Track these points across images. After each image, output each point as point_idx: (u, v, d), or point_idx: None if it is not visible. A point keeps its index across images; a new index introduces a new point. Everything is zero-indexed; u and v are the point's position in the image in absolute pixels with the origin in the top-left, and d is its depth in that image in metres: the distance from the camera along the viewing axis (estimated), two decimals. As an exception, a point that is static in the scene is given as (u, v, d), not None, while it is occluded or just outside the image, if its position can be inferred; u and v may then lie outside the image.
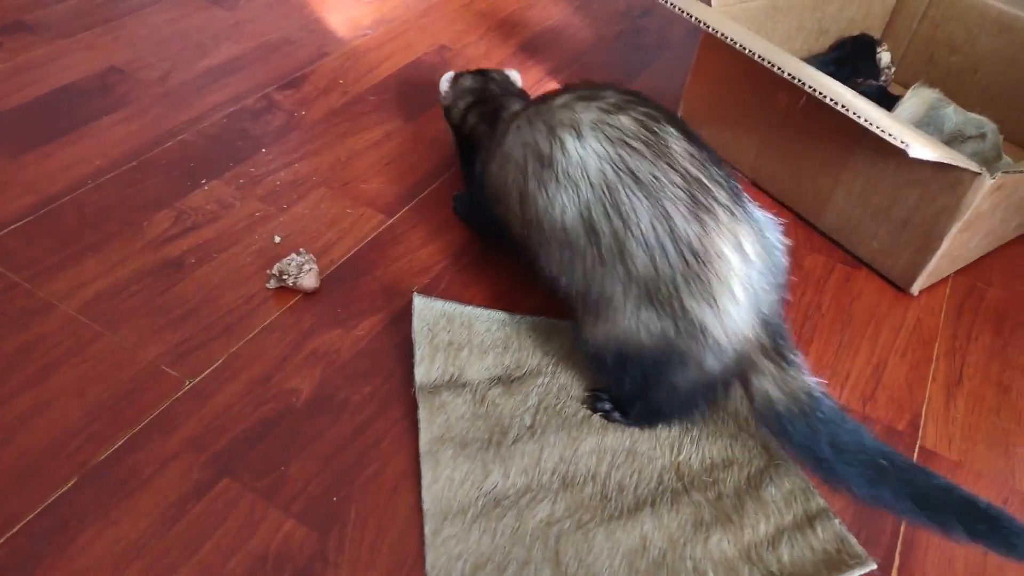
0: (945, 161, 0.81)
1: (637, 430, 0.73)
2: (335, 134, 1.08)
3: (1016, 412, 0.83)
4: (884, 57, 1.26)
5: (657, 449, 0.72)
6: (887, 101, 1.17)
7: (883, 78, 1.26)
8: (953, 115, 1.11)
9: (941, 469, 0.76)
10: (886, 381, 0.85)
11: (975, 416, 0.82)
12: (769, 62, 0.89)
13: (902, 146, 0.79)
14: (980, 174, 0.83)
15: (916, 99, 1.10)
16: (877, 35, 1.37)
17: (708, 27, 0.94)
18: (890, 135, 0.81)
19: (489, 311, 0.81)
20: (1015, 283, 0.99)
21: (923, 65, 1.34)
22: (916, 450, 0.78)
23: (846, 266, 0.99)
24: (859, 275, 0.98)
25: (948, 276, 0.99)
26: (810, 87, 0.86)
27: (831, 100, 0.85)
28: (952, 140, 1.11)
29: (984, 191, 0.84)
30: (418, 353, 0.75)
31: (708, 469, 0.71)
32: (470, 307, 0.81)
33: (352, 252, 0.90)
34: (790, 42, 1.23)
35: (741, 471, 0.70)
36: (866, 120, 0.82)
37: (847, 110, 0.84)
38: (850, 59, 1.26)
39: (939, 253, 0.92)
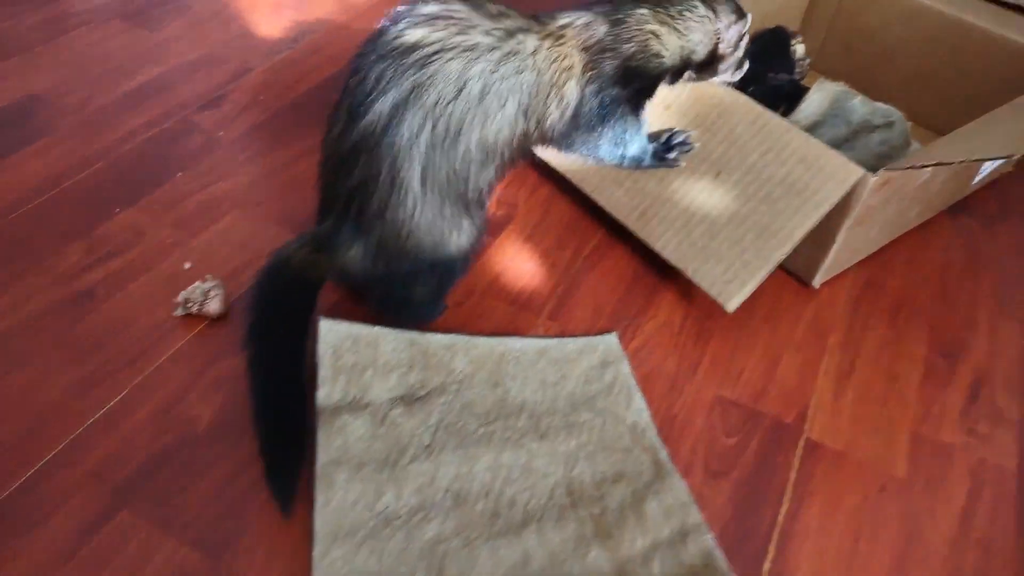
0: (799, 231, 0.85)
1: (534, 446, 0.76)
2: (252, 153, 1.10)
3: (902, 400, 0.87)
4: (799, 49, 1.28)
5: (552, 464, 0.75)
6: (799, 94, 1.20)
7: (798, 70, 1.28)
8: (860, 106, 1.14)
9: (825, 459, 0.80)
10: (779, 376, 0.88)
11: (862, 406, 0.86)
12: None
13: (720, 301, 0.85)
14: (864, 174, 0.86)
15: (819, 94, 1.12)
16: (795, 27, 1.39)
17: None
18: (694, 277, 0.86)
19: (398, 331, 0.84)
20: (914, 272, 1.03)
21: (842, 54, 1.37)
22: (802, 442, 0.81)
23: (750, 262, 1.02)
24: (762, 271, 1.01)
25: (849, 268, 1.02)
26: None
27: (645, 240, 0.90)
28: (860, 130, 1.14)
29: (870, 188, 0.87)
30: (320, 375, 0.78)
31: (598, 484, 0.74)
32: (378, 328, 0.83)
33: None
34: (702, 40, 1.25)
35: (629, 485, 0.73)
36: (676, 262, 0.87)
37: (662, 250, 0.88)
38: (765, 53, 1.28)
39: (835, 248, 0.95)
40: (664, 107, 1.01)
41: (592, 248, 1.01)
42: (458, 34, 0.73)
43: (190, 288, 0.85)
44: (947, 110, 1.23)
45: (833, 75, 1.36)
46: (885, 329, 0.95)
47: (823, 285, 1.00)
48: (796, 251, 0.98)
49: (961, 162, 0.78)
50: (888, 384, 0.89)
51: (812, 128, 1.13)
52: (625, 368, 0.85)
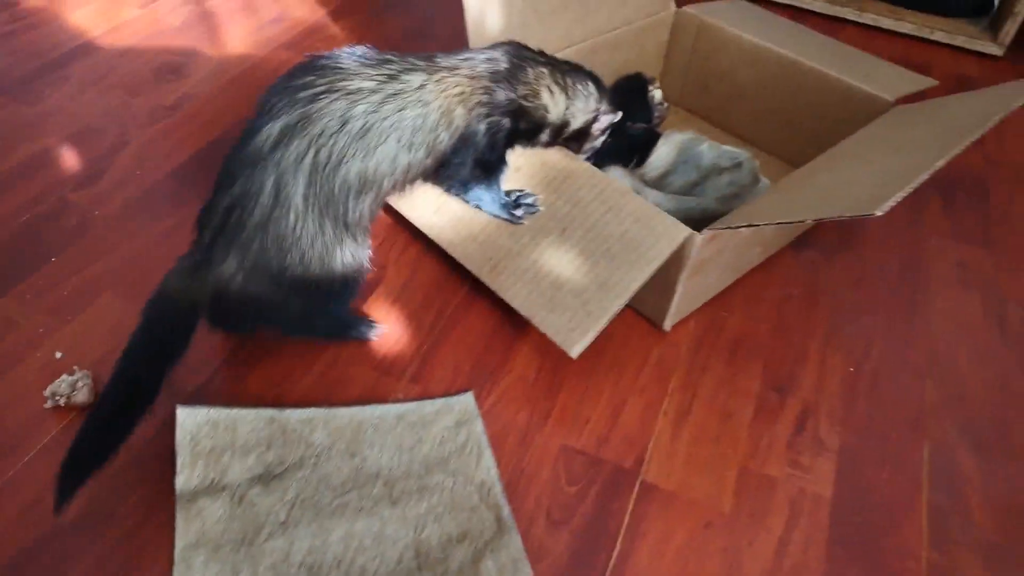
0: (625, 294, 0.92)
1: (387, 512, 0.82)
2: (128, 230, 1.14)
3: (734, 437, 0.95)
4: (656, 95, 1.37)
5: (403, 529, 0.81)
6: (654, 141, 1.29)
7: (656, 115, 1.36)
8: (707, 151, 1.23)
9: (657, 500, 0.88)
10: (622, 421, 0.96)
11: (697, 446, 0.94)
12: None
13: (564, 348, 0.91)
14: (691, 234, 0.94)
15: (666, 146, 1.21)
16: (657, 70, 1.48)
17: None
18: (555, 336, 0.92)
19: (257, 410, 0.89)
20: (754, 309, 1.11)
21: (699, 94, 1.46)
22: (637, 485, 0.89)
23: (604, 310, 1.09)
24: (617, 317, 1.08)
25: (697, 309, 1.10)
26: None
27: (496, 291, 0.96)
28: (710, 173, 1.22)
29: (698, 244, 0.95)
30: (179, 463, 0.83)
31: (444, 545, 0.80)
32: (236, 409, 0.88)
33: (132, 358, 0.96)
34: (564, 91, 1.32)
35: (471, 544, 0.80)
36: (524, 312, 0.93)
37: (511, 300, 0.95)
38: (624, 100, 1.36)
39: (677, 296, 1.03)
40: (515, 169, 1.07)
41: (455, 306, 1.08)
42: (343, 80, 0.84)
43: (57, 381, 0.89)
44: (794, 142, 1.33)
45: (693, 113, 1.46)
46: (723, 368, 1.03)
47: (673, 328, 1.08)
48: (646, 299, 1.07)
49: (779, 223, 0.86)
50: (722, 422, 0.97)
51: (664, 176, 1.22)
52: (478, 427, 0.92)
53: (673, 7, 1.41)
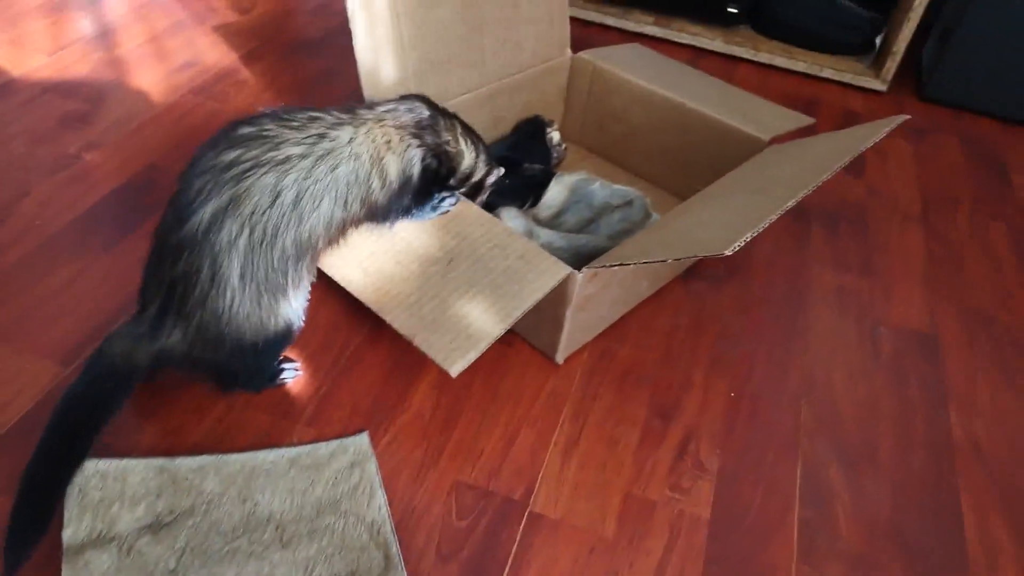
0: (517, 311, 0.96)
1: (277, 556, 0.84)
2: (24, 284, 1.14)
3: (619, 463, 1.00)
4: (554, 136, 1.43)
5: (292, 572, 0.83)
6: (547, 181, 1.34)
7: (555, 155, 1.42)
8: (599, 191, 1.29)
9: (543, 528, 0.92)
10: (514, 453, 1.00)
11: (584, 473, 0.98)
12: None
13: (445, 367, 0.92)
14: (572, 272, 0.99)
15: (558, 187, 1.26)
16: (559, 111, 1.55)
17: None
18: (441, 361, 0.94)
19: (147, 460, 0.90)
20: (644, 339, 1.17)
21: (596, 132, 1.53)
22: (526, 515, 0.93)
23: (500, 343, 1.13)
24: (511, 352, 1.13)
25: (590, 341, 1.16)
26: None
27: (379, 313, 0.99)
28: (602, 211, 1.29)
29: (580, 281, 1.00)
30: (66, 516, 0.83)
31: (331, 583, 0.82)
32: (126, 460, 0.89)
33: (25, 412, 0.97)
34: (465, 135, 1.37)
35: (357, 582, 0.82)
36: (406, 333, 0.96)
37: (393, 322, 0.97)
38: (524, 142, 1.42)
39: (566, 330, 1.08)
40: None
41: (356, 346, 1.11)
42: (270, 151, 0.85)
43: (-58, 438, 0.89)
44: (683, 178, 1.41)
45: (592, 151, 1.53)
46: (612, 396, 1.09)
47: (566, 360, 1.13)
48: (539, 334, 1.12)
49: (645, 263, 0.92)
50: (608, 449, 1.02)
51: (559, 214, 1.28)
52: (371, 467, 0.95)
53: (569, 53, 1.48)
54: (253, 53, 1.77)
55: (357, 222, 0.96)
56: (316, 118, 0.90)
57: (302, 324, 0.97)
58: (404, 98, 1.04)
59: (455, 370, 0.91)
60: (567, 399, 1.07)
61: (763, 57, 1.98)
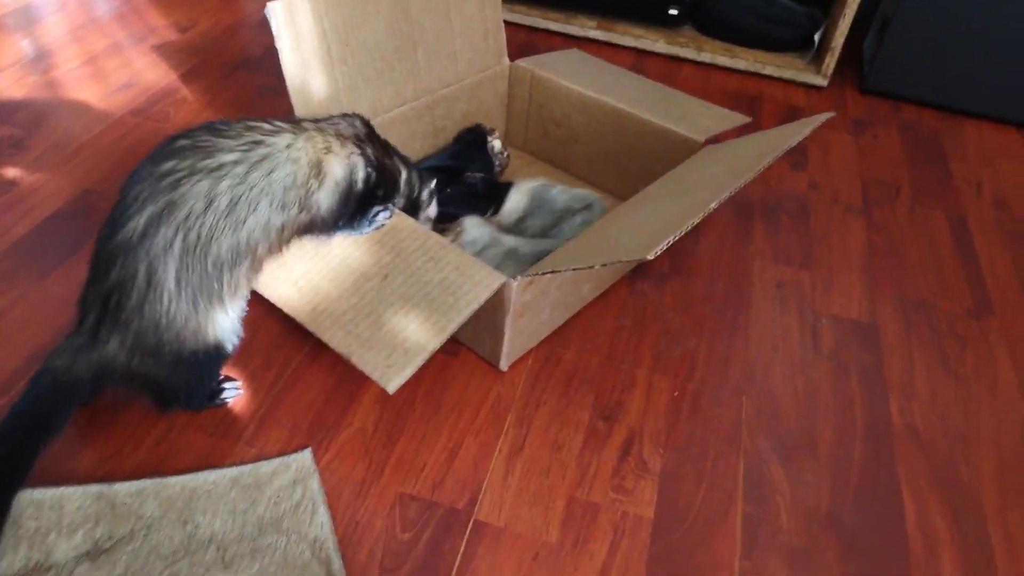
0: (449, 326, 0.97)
1: (218, 570, 0.84)
2: (-44, 315, 1.12)
3: (563, 468, 1.01)
4: (496, 144, 1.44)
5: (229, 585, 0.83)
6: (493, 191, 1.35)
7: (497, 164, 1.43)
8: (559, 195, 1.30)
9: (487, 536, 0.92)
10: (457, 464, 1.00)
11: (527, 480, 0.99)
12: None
13: (381, 384, 0.93)
14: (508, 280, 0.99)
15: (518, 194, 1.27)
16: (500, 118, 1.55)
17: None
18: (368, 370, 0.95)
19: (84, 487, 0.89)
20: (588, 341, 1.18)
21: (540, 138, 1.54)
22: (470, 524, 0.93)
23: (444, 354, 1.14)
24: (456, 362, 1.13)
25: (534, 347, 1.16)
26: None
27: (315, 332, 0.99)
28: (564, 215, 1.30)
29: (516, 289, 1.01)
30: (0, 547, 0.82)
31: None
32: (62, 488, 0.88)
33: (-44, 446, 0.95)
34: (406, 148, 1.37)
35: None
36: (342, 351, 0.96)
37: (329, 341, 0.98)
38: (465, 151, 1.43)
39: (507, 338, 1.08)
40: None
41: (296, 364, 1.10)
42: (204, 159, 0.86)
43: None
44: (624, 180, 1.42)
45: (537, 157, 1.54)
46: (556, 401, 1.09)
47: (511, 367, 1.13)
48: (482, 342, 1.12)
49: (574, 269, 0.93)
50: (552, 454, 1.02)
51: (520, 221, 1.28)
52: (314, 483, 0.94)
53: (506, 61, 1.48)
54: (193, 71, 1.76)
55: (299, 229, 0.96)
56: (253, 127, 0.91)
57: (240, 337, 0.97)
58: (344, 115, 1.06)
59: (392, 387, 0.91)
60: (511, 406, 1.08)
61: (706, 57, 2.01)
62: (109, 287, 0.86)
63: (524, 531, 0.93)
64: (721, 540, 0.95)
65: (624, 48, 2.06)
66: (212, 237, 0.86)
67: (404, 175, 1.10)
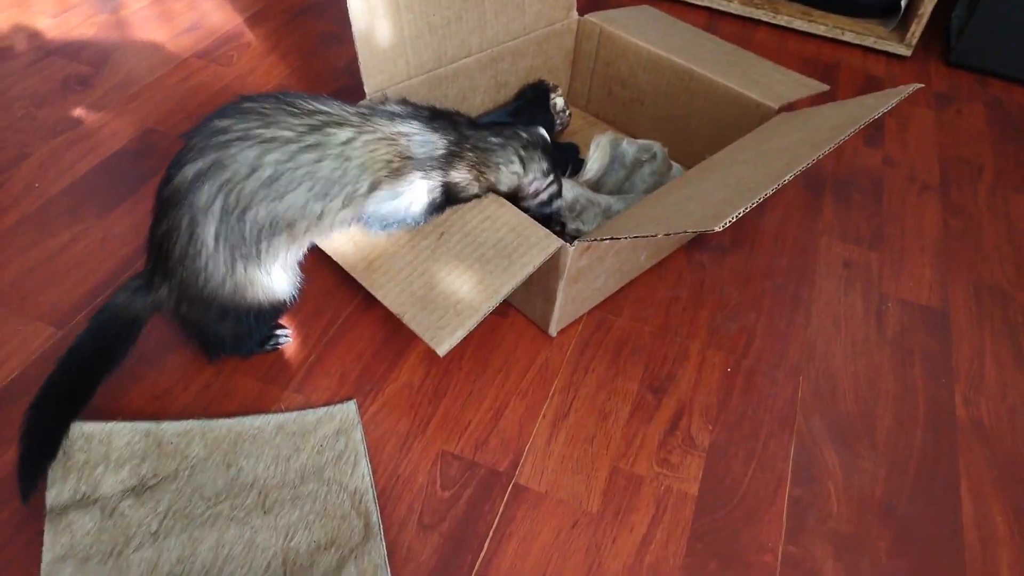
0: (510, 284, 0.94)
1: (258, 522, 0.84)
2: (21, 246, 1.14)
3: (608, 437, 0.99)
4: (558, 102, 1.40)
5: (273, 538, 0.84)
6: (555, 150, 1.31)
7: (558, 122, 1.39)
8: (628, 148, 1.27)
9: (527, 501, 0.91)
10: (502, 425, 0.99)
11: (571, 447, 0.97)
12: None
13: (432, 345, 0.90)
14: (564, 244, 0.97)
15: (599, 151, 1.24)
16: (564, 76, 1.51)
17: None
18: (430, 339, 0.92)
19: (133, 424, 0.91)
20: (642, 311, 1.15)
21: (605, 98, 1.49)
22: (510, 487, 0.92)
23: (494, 315, 1.12)
24: (505, 323, 1.12)
25: (585, 313, 1.14)
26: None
27: (369, 288, 0.96)
28: (633, 168, 1.26)
29: (572, 255, 0.98)
30: (50, 477, 0.84)
31: (312, 552, 0.82)
32: (112, 423, 0.90)
33: (16, 374, 0.98)
34: (467, 102, 1.35)
35: (338, 551, 0.82)
36: (394, 309, 0.94)
37: (383, 299, 0.95)
38: (526, 108, 1.39)
39: (558, 303, 1.06)
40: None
41: (347, 315, 1.10)
42: (260, 128, 0.85)
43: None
44: (691, 145, 1.37)
45: (600, 117, 1.49)
46: (605, 369, 1.07)
47: (560, 332, 1.11)
48: (533, 305, 1.10)
49: (635, 237, 0.89)
50: (598, 423, 1.00)
51: (600, 178, 1.25)
52: (357, 435, 0.94)
53: (575, 15, 1.43)
54: (258, 15, 1.75)
55: (345, 220, 0.93)
56: (321, 110, 0.89)
57: (289, 300, 0.96)
58: (434, 120, 0.98)
59: (442, 349, 0.90)
60: (559, 371, 1.06)
61: (782, 20, 1.92)
62: (161, 234, 0.87)
63: (565, 498, 0.92)
64: (767, 522, 0.92)
65: (695, 7, 1.98)
66: (251, 203, 0.85)
67: (478, 187, 1.03)
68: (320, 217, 0.90)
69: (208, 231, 0.85)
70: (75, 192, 1.24)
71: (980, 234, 1.38)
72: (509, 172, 1.03)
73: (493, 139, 1.02)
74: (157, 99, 1.45)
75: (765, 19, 1.93)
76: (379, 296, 0.97)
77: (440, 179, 0.97)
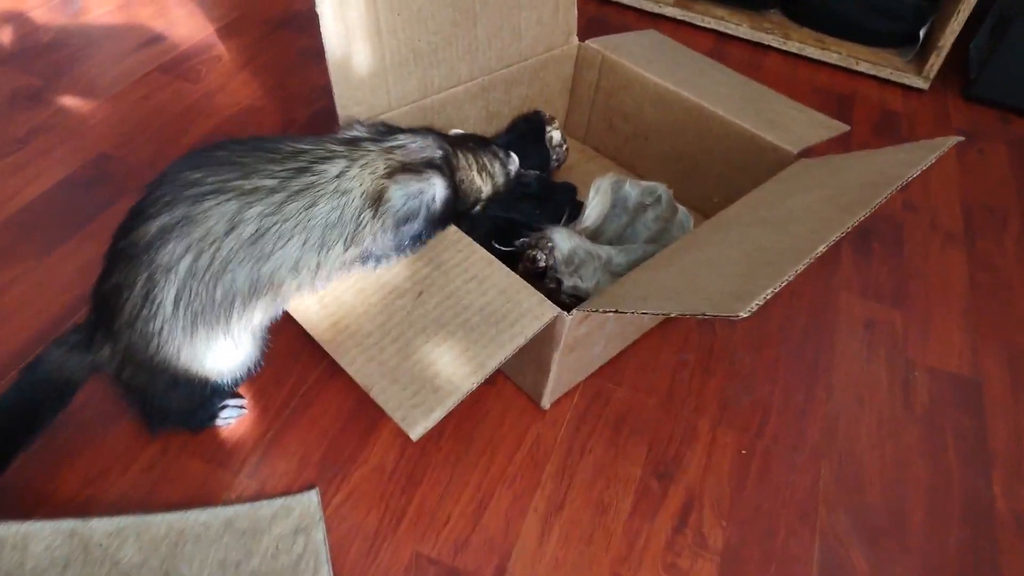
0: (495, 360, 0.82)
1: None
2: (-55, 292, 1.01)
3: (608, 535, 0.86)
4: (555, 136, 1.27)
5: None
6: (549, 191, 1.19)
7: (554, 157, 1.27)
8: (631, 190, 1.14)
9: (514, 619, 0.78)
10: (486, 520, 0.86)
11: (566, 548, 0.85)
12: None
13: (404, 428, 0.77)
14: (560, 313, 0.84)
15: (600, 196, 1.11)
16: (562, 106, 1.38)
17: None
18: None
19: (55, 523, 0.78)
20: (644, 378, 1.03)
21: (605, 132, 1.37)
22: (495, 601, 0.79)
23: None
24: (491, 392, 0.99)
25: (581, 381, 1.01)
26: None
27: (332, 354, 0.84)
28: (637, 212, 1.13)
29: (570, 324, 0.86)
30: (-53, 592, 0.71)
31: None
32: (28, 523, 0.77)
33: (-76, 451, 0.83)
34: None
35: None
36: (361, 381, 0.81)
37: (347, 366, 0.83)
38: (518, 141, 1.27)
39: (552, 374, 0.93)
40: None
41: (313, 381, 0.97)
42: (239, 178, 0.74)
43: None
44: (700, 188, 1.25)
45: (600, 152, 1.37)
46: (603, 450, 0.95)
47: (554, 403, 0.99)
48: (524, 373, 0.97)
49: (643, 313, 0.77)
50: (597, 517, 0.88)
51: (601, 224, 1.12)
52: (319, 535, 0.81)
53: (575, 40, 1.31)
54: (232, 26, 1.61)
55: (345, 265, 0.83)
56: (301, 150, 0.79)
57: (253, 367, 0.84)
58: (414, 132, 0.91)
59: (415, 433, 0.77)
60: (552, 452, 0.93)
61: (793, 46, 1.80)
62: (109, 289, 0.75)
63: (557, 613, 0.79)
64: (789, 644, 0.80)
65: (703, 30, 1.86)
66: (227, 265, 0.73)
67: (488, 189, 0.99)
68: (316, 269, 0.79)
69: (168, 293, 0.73)
70: (12, 228, 1.11)
71: (1010, 292, 1.27)
72: (499, 168, 0.99)
73: (472, 144, 0.98)
74: (114, 119, 1.32)
75: (775, 45, 1.82)
76: (344, 364, 0.84)
77: (449, 176, 0.89)
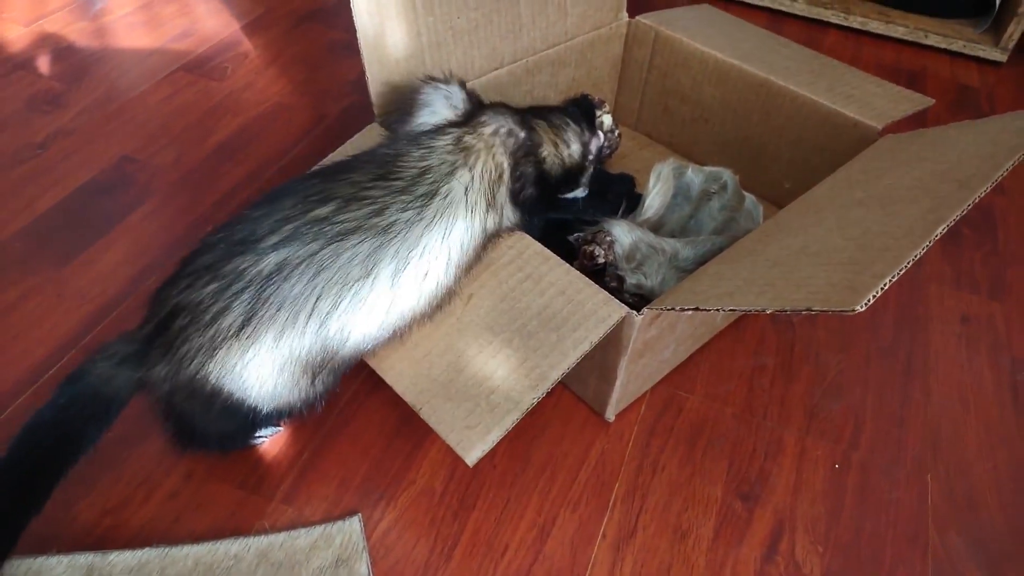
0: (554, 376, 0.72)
1: None
2: (-41, 305, 0.94)
3: (688, 567, 0.76)
4: (606, 120, 1.16)
5: None
6: (603, 182, 1.08)
7: (607, 143, 1.16)
8: (694, 177, 1.04)
9: (588, 666, 0.68)
10: (548, 549, 0.76)
11: (642, 580, 0.74)
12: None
13: (459, 451, 0.68)
14: (628, 313, 0.74)
15: (660, 183, 1.00)
16: (611, 87, 1.28)
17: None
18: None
19: (71, 557, 0.70)
20: (719, 385, 0.92)
21: (660, 116, 1.26)
22: (564, 644, 0.69)
23: (536, 393, 0.89)
24: (548, 403, 0.89)
25: (647, 392, 0.91)
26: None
27: (375, 368, 0.75)
28: (700, 201, 1.03)
29: (639, 326, 0.75)
30: (-49, 641, 0.63)
31: None
32: (43, 558, 0.69)
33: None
34: (496, 120, 1.12)
35: None
36: (410, 399, 0.72)
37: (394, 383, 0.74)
38: (568, 127, 1.16)
39: (619, 383, 0.83)
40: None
41: (352, 394, 0.88)
42: (374, 217, 0.69)
43: None
44: (769, 173, 1.14)
45: (653, 139, 1.26)
46: (678, 467, 0.84)
47: (618, 416, 0.88)
48: (586, 382, 0.87)
49: (732, 310, 0.67)
50: (675, 544, 0.77)
51: (663, 215, 1.02)
52: (362, 567, 0.72)
53: (625, 17, 1.21)
54: (258, 21, 1.54)
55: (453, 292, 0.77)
56: (425, 169, 0.75)
57: (321, 406, 0.76)
58: (492, 108, 0.87)
59: (472, 457, 0.67)
60: (619, 472, 0.83)
61: (855, 22, 1.67)
62: (185, 302, 0.66)
63: (637, 658, 0.69)
64: None
65: (755, 8, 1.74)
66: (349, 309, 0.68)
67: (576, 148, 0.95)
68: (440, 297, 0.76)
69: (270, 330, 0.66)
70: (30, 236, 1.04)
71: (1122, 279, 1.13)
72: (577, 140, 0.94)
73: (549, 114, 0.93)
74: (137, 121, 1.25)
75: (835, 21, 1.69)
76: (390, 381, 0.75)
77: (536, 166, 0.87)
